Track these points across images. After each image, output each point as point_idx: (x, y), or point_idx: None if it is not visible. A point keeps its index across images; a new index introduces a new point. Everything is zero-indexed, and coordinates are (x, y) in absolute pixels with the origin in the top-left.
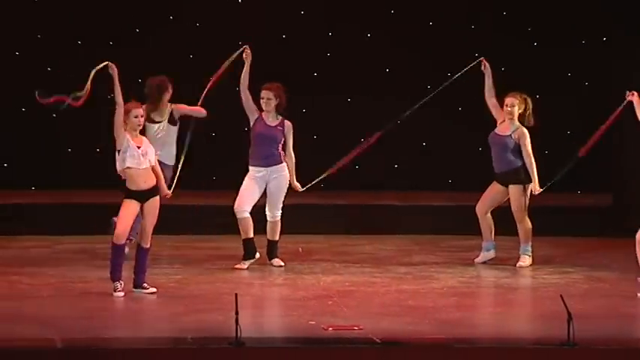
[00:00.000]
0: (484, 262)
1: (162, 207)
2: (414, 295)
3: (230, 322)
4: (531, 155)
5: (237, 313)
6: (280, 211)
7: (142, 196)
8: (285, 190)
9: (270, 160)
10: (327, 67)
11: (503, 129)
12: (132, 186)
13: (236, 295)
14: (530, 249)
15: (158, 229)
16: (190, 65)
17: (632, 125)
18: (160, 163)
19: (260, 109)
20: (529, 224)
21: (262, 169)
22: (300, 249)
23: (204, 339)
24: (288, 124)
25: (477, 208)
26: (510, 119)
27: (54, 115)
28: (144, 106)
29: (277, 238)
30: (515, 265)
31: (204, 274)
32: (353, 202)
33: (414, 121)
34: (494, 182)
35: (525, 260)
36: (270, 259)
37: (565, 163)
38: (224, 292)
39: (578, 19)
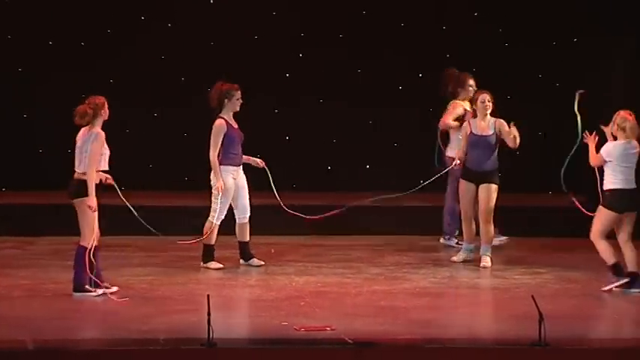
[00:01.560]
0: (462, 262)
1: (136, 207)
2: (387, 296)
3: (202, 323)
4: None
5: (209, 314)
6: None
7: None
8: None
9: (238, 160)
10: (300, 67)
11: (482, 128)
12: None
13: (208, 296)
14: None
15: (129, 230)
16: (163, 66)
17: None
18: None
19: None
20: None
21: (237, 168)
22: (273, 250)
23: (176, 340)
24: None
25: (465, 211)
26: (485, 115)
27: (25, 116)
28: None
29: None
30: (480, 266)
31: (176, 275)
32: (325, 203)
33: (386, 122)
34: (464, 182)
35: (488, 261)
36: (248, 259)
37: (536, 164)
38: (196, 293)
39: (548, 20)
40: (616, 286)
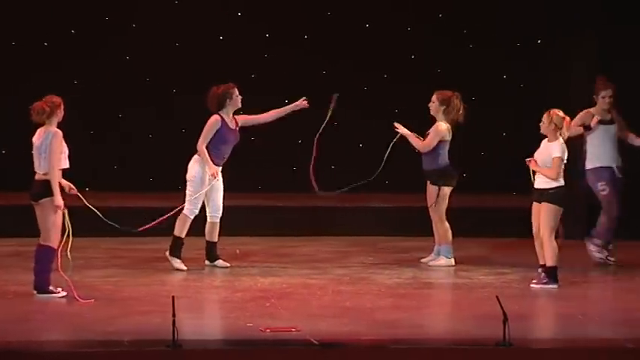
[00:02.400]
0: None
1: (97, 207)
2: (352, 297)
3: (167, 324)
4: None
5: (174, 315)
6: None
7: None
8: None
9: (221, 160)
10: (265, 68)
11: None
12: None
13: (173, 297)
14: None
15: (92, 231)
16: (127, 67)
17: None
18: None
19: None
20: None
21: (218, 167)
22: (238, 251)
23: (141, 342)
24: (238, 119)
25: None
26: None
27: None
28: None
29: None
30: (429, 264)
31: (140, 276)
32: (290, 204)
33: (350, 122)
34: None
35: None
36: (214, 260)
37: (500, 164)
38: (161, 294)
39: (513, 21)
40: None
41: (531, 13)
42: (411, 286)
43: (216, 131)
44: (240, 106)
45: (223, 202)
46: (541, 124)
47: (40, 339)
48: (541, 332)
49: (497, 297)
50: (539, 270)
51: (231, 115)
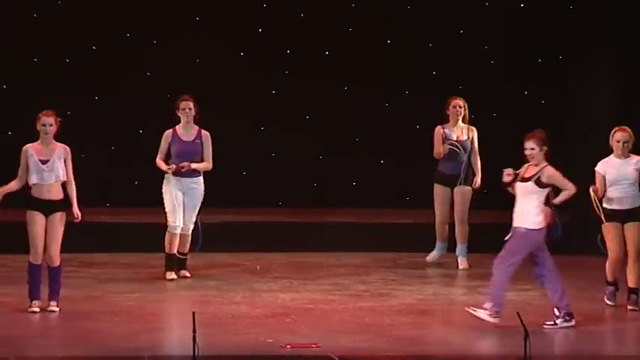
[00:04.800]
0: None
1: (122, 224)
2: (372, 313)
3: (187, 340)
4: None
5: (194, 331)
6: (193, 225)
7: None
8: (200, 203)
9: (190, 172)
10: (286, 84)
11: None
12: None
13: (194, 313)
14: None
15: (115, 247)
16: (148, 82)
17: (585, 143)
18: None
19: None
20: None
21: (183, 178)
22: (258, 267)
23: (161, 357)
24: (205, 134)
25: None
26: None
27: None
28: None
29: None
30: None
31: (161, 292)
32: (311, 220)
33: (371, 138)
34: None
35: (465, 263)
36: (180, 269)
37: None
38: (181, 310)
39: (534, 37)
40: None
41: (552, 29)
42: (431, 303)
43: (169, 143)
44: (184, 119)
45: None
46: (624, 143)
47: (61, 355)
48: (562, 348)
49: (518, 313)
50: (612, 288)
51: (182, 126)
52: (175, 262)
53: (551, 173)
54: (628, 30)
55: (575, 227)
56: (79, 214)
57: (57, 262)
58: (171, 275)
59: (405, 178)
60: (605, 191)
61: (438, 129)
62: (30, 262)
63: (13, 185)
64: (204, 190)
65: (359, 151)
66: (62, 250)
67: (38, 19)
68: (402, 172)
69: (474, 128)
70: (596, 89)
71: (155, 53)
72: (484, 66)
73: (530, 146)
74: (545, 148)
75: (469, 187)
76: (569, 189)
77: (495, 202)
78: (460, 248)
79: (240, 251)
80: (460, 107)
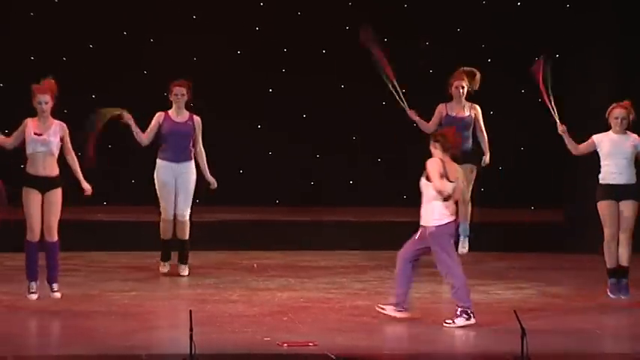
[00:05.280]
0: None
1: (119, 222)
2: (369, 311)
3: (184, 338)
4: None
5: (191, 329)
6: (190, 210)
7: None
8: (194, 187)
9: (181, 155)
10: (283, 82)
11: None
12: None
13: (190, 311)
14: None
15: (112, 245)
16: (144, 81)
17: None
18: None
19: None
20: None
21: (173, 164)
22: (255, 265)
23: (158, 356)
24: (197, 118)
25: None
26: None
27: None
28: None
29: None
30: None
31: (158, 290)
32: (308, 219)
33: (368, 137)
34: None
35: (466, 244)
36: (180, 262)
37: (517, 179)
38: (178, 308)
39: (531, 34)
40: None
41: (550, 26)
42: (428, 301)
43: (159, 126)
44: (176, 104)
45: (192, 206)
46: (622, 119)
47: (57, 353)
48: (560, 347)
49: (515, 312)
50: (614, 279)
51: (175, 110)
52: (170, 251)
53: None
54: (625, 29)
55: (575, 227)
56: (89, 187)
57: (55, 237)
58: (165, 268)
59: (402, 176)
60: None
61: (440, 106)
62: (27, 240)
63: (5, 140)
64: (197, 177)
65: (356, 150)
66: (60, 249)
67: (35, 18)
68: (399, 171)
69: (477, 106)
70: (592, 88)
71: (152, 52)
72: (481, 64)
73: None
74: None
75: (473, 165)
76: None
77: (493, 200)
78: (462, 227)
79: (237, 249)
80: (463, 87)
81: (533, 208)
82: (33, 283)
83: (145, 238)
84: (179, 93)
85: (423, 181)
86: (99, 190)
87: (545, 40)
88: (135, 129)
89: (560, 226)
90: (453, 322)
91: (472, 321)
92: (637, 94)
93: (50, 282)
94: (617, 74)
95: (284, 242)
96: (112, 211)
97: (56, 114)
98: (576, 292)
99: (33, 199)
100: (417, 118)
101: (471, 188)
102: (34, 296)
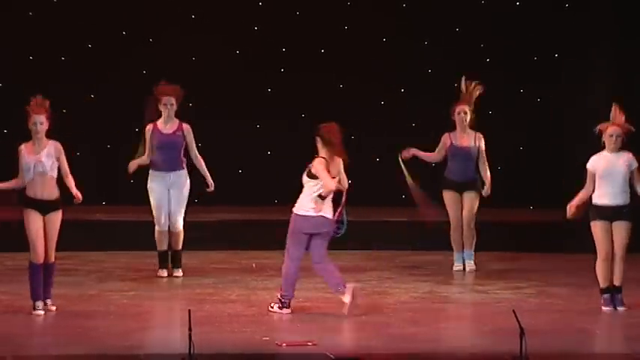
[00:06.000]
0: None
1: (117, 222)
2: (368, 311)
3: (183, 338)
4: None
5: (190, 329)
6: (182, 220)
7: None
8: (187, 197)
9: (173, 165)
10: (281, 82)
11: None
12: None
13: (189, 311)
14: None
15: (110, 245)
16: (144, 81)
17: (583, 143)
18: None
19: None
20: None
21: (164, 173)
22: (254, 265)
23: (157, 355)
24: (186, 127)
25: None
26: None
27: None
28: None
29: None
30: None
31: (157, 290)
32: None
33: (367, 136)
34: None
35: (473, 265)
36: (174, 267)
37: (517, 179)
38: (177, 308)
39: (530, 34)
40: None
41: (550, 26)
42: (427, 301)
43: (150, 138)
44: (164, 114)
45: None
46: (617, 137)
47: (57, 353)
48: (559, 347)
49: (514, 311)
50: (607, 295)
51: (164, 120)
52: (167, 259)
53: None
54: (624, 30)
55: (575, 227)
56: (79, 194)
57: (53, 258)
58: (163, 273)
59: (400, 176)
60: (593, 189)
61: (445, 136)
62: (31, 262)
63: (12, 183)
64: (190, 185)
65: (355, 149)
66: (57, 249)
67: (34, 17)
68: (397, 170)
69: (482, 135)
70: (592, 88)
71: (151, 51)
72: (480, 64)
73: None
74: None
75: (477, 193)
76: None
77: (492, 200)
78: (467, 253)
79: (236, 249)
80: (465, 113)
81: (532, 208)
82: (39, 303)
83: (144, 238)
84: (168, 103)
85: (304, 178)
86: (97, 190)
87: (545, 40)
88: (140, 162)
89: (560, 226)
90: (272, 306)
91: (285, 311)
92: (637, 94)
93: (45, 298)
94: (617, 74)
95: (283, 242)
96: (111, 211)
97: (55, 114)
98: (576, 292)
99: (35, 220)
100: (420, 154)
101: (474, 215)
102: (40, 312)
